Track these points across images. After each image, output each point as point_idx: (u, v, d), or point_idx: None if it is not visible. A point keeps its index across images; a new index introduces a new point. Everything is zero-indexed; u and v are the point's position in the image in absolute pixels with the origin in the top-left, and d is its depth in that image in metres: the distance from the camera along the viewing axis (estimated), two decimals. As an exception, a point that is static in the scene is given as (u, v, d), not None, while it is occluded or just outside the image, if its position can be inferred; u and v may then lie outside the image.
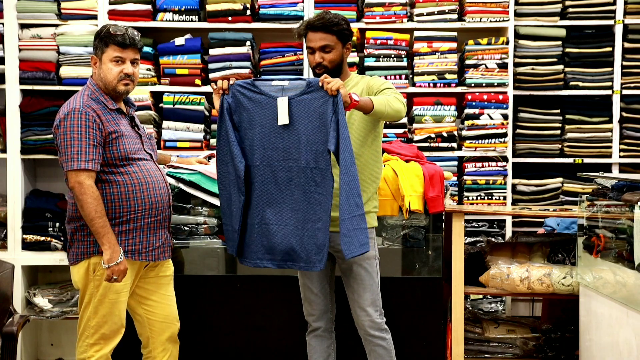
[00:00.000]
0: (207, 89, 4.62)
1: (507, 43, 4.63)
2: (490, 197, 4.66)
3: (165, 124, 4.56)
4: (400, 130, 4.59)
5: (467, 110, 4.64)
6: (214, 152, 3.91)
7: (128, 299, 3.10)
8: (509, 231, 4.68)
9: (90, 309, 3.01)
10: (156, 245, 3.09)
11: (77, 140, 2.90)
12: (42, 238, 4.48)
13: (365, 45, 4.62)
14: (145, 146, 3.14)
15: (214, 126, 4.57)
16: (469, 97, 4.63)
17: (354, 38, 4.47)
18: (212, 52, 4.60)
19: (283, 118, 3.00)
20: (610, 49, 4.67)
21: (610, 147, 4.69)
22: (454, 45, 4.62)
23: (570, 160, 4.70)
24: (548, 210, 4.23)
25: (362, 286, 3.20)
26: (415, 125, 4.62)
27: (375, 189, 3.26)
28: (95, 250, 2.98)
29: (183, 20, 4.58)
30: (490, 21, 4.63)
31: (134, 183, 3.01)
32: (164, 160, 3.60)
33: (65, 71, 4.52)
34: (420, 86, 4.62)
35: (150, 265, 3.16)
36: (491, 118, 4.61)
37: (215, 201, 3.59)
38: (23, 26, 4.54)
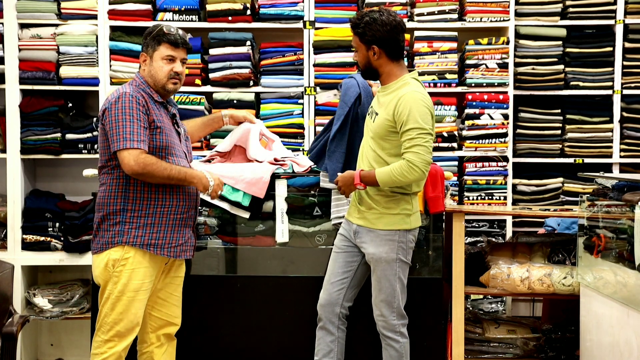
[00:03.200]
0: (207, 88, 4.62)
1: (508, 43, 4.62)
2: (490, 197, 4.66)
3: (165, 124, 4.55)
4: (401, 130, 4.58)
5: (468, 110, 4.63)
6: (213, 151, 3.90)
7: None
8: (509, 231, 4.67)
9: (107, 306, 3.03)
10: (179, 243, 3.11)
11: (129, 122, 2.94)
12: (42, 238, 4.48)
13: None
14: (182, 145, 3.17)
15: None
16: (470, 97, 4.62)
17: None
18: (212, 52, 4.60)
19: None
20: (610, 48, 4.66)
21: (610, 147, 4.69)
22: (454, 45, 4.62)
23: (571, 160, 4.70)
24: (548, 210, 4.23)
25: (378, 286, 3.24)
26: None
27: (402, 190, 3.18)
28: (119, 240, 2.99)
29: (183, 20, 4.58)
30: (491, 21, 4.63)
31: None
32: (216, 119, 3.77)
33: (65, 71, 4.52)
34: (420, 86, 4.62)
35: (168, 263, 3.16)
36: (491, 118, 4.61)
37: (215, 201, 3.59)
38: (23, 26, 4.54)
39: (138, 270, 3.01)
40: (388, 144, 3.15)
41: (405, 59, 4.60)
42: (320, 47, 4.54)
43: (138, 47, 4.42)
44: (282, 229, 3.64)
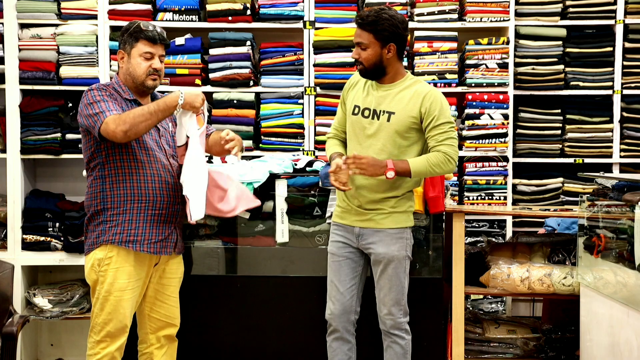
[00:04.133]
0: (207, 88, 4.62)
1: (508, 43, 4.62)
2: (490, 197, 4.66)
3: (165, 124, 4.55)
4: (401, 130, 4.58)
5: (468, 110, 4.63)
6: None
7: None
8: (509, 231, 4.67)
9: (97, 306, 3.03)
10: (159, 239, 3.08)
11: (96, 104, 2.96)
12: (42, 238, 4.48)
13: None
14: (162, 140, 3.15)
15: (214, 126, 4.56)
16: (470, 97, 4.62)
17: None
18: (212, 52, 4.60)
19: None
20: (610, 48, 4.66)
21: (610, 147, 4.68)
22: (454, 45, 4.62)
23: (571, 160, 4.70)
24: (548, 210, 4.23)
25: (389, 285, 3.22)
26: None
27: (408, 188, 3.23)
28: (102, 239, 3.01)
29: (183, 20, 4.58)
30: (491, 21, 4.63)
31: (140, 173, 3.03)
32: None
33: (65, 71, 4.52)
34: (420, 86, 4.62)
35: (160, 263, 3.16)
36: (492, 118, 4.61)
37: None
38: (23, 26, 4.54)
39: (123, 268, 3.01)
40: (406, 141, 3.17)
41: (405, 59, 4.62)
42: (320, 47, 4.54)
43: (138, 47, 4.42)
44: (282, 229, 3.64)
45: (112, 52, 4.55)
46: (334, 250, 3.32)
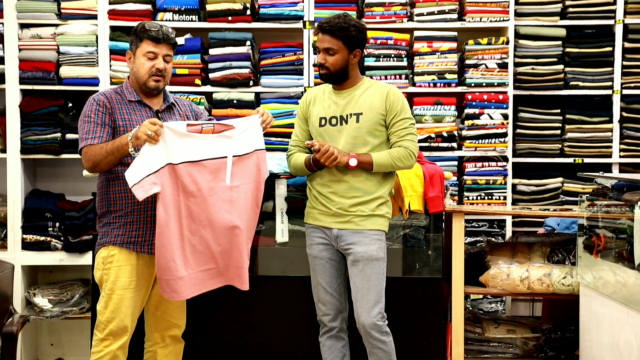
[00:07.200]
0: (207, 88, 4.62)
1: (507, 43, 4.63)
2: (490, 197, 4.66)
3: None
4: (401, 130, 4.59)
5: (467, 110, 4.63)
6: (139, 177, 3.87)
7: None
8: (509, 231, 4.68)
9: (102, 304, 3.05)
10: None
11: (86, 123, 3.01)
12: (42, 238, 4.48)
13: (366, 45, 4.61)
14: None
15: (214, 126, 4.56)
16: (469, 97, 4.62)
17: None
18: (212, 52, 4.60)
19: None
20: (610, 48, 4.67)
21: (610, 147, 4.69)
22: (454, 45, 4.62)
23: (571, 160, 4.70)
24: (548, 210, 4.23)
25: (368, 285, 3.20)
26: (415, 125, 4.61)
27: (386, 193, 3.26)
28: (105, 240, 3.04)
29: (183, 20, 4.58)
30: (491, 21, 4.63)
31: None
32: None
33: (65, 71, 4.52)
34: (420, 86, 4.62)
35: None
36: (491, 118, 4.61)
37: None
38: (23, 26, 4.54)
39: (124, 267, 3.02)
40: (376, 139, 3.22)
41: (405, 59, 4.62)
42: (320, 47, 4.54)
43: (138, 47, 4.43)
44: (282, 229, 3.64)
45: (112, 52, 4.56)
46: (316, 253, 3.32)
